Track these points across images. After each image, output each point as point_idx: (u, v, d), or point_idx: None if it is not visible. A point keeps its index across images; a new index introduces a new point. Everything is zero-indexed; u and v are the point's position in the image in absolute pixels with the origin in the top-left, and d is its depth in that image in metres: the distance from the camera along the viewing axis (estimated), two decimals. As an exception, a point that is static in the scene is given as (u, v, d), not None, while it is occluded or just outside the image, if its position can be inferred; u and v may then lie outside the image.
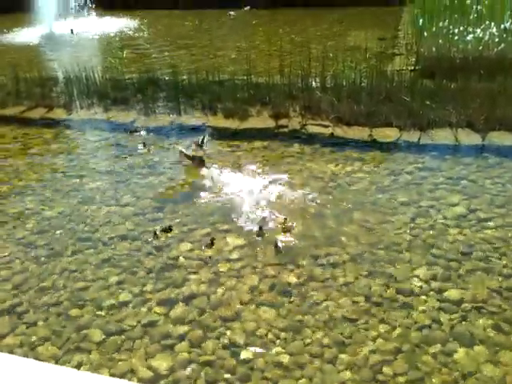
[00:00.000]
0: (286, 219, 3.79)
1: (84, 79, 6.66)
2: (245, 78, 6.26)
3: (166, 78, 6.73)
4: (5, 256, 3.70)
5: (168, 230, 3.79)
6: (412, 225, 3.78)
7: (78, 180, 4.73)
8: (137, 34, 10.35)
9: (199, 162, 4.64)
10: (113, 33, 10.49)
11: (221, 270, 3.40)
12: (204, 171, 4.63)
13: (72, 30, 10.36)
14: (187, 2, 12.31)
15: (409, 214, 3.90)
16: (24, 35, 10.59)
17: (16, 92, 6.67)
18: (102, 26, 10.94)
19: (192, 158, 4.68)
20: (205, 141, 4.77)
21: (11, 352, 2.83)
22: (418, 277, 3.26)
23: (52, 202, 4.38)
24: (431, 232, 3.69)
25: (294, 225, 3.78)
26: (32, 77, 6.99)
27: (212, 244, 3.63)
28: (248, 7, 12.01)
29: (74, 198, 4.43)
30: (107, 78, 6.84)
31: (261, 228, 3.71)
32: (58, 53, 9.40)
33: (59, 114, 6.15)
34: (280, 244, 3.56)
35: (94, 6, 11.26)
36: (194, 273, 3.39)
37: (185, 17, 11.72)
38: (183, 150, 4.76)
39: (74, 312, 3.14)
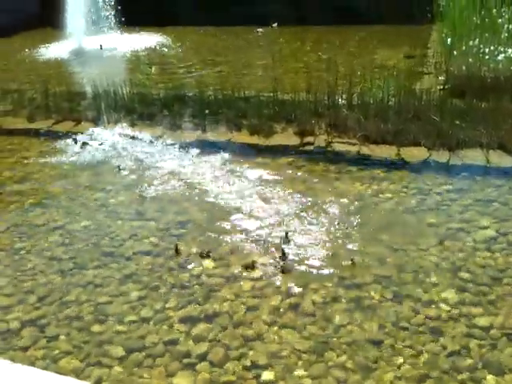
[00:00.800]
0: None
1: (112, 94, 6.75)
2: (271, 94, 6.25)
3: (192, 94, 6.77)
4: (29, 268, 3.72)
5: (206, 255, 3.70)
6: (440, 247, 3.68)
7: (103, 194, 4.76)
8: (165, 50, 10.49)
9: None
10: (141, 49, 10.65)
11: (243, 288, 3.37)
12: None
13: (101, 46, 10.54)
14: (216, 19, 12.45)
15: (437, 236, 3.81)
16: (54, 50, 10.82)
17: (45, 106, 6.78)
18: (131, 42, 11.11)
19: None
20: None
21: (32, 365, 2.82)
22: (446, 301, 3.17)
23: (77, 215, 4.41)
24: (460, 255, 3.59)
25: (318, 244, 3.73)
26: (61, 91, 7.12)
27: (253, 267, 3.55)
28: (275, 24, 12.07)
29: (98, 211, 4.45)
30: (134, 93, 6.91)
31: (283, 252, 3.65)
32: (87, 68, 9.57)
33: (87, 127, 6.22)
34: (290, 268, 3.50)
35: (123, 22, 11.45)
36: (217, 290, 3.36)
37: (213, 33, 11.84)
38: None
39: (95, 327, 3.13)
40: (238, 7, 12.62)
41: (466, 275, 3.39)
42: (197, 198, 4.54)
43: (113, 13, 11.26)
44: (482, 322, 3.00)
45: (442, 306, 3.13)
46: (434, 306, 3.13)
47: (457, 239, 3.77)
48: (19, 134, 6.25)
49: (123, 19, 11.35)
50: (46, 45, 11.27)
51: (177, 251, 3.75)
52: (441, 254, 3.61)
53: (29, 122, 6.48)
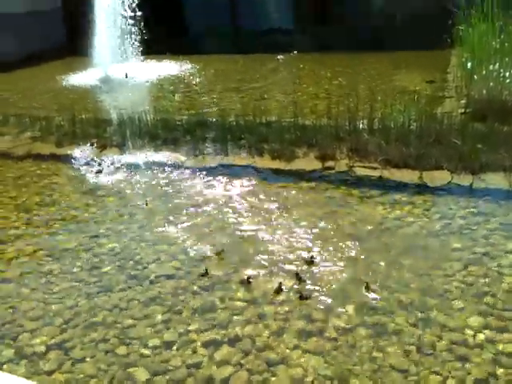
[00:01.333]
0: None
1: (136, 120, 6.91)
2: (291, 120, 6.33)
3: (215, 120, 6.88)
4: (56, 291, 3.80)
5: (248, 281, 3.68)
6: (465, 272, 3.65)
7: (128, 217, 4.85)
8: (188, 78, 10.71)
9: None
10: (165, 76, 10.89)
11: (266, 312, 3.38)
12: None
13: (126, 74, 10.81)
14: (238, 47, 12.78)
15: (462, 261, 3.78)
16: (81, 78, 11.15)
17: (72, 132, 6.97)
18: (156, 70, 11.39)
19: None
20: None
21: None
22: (471, 327, 3.13)
23: (104, 238, 4.50)
24: (485, 280, 3.55)
25: (342, 269, 3.73)
26: (88, 118, 7.31)
27: (280, 290, 3.55)
28: (295, 52, 12.28)
29: (124, 235, 4.53)
30: (158, 119, 7.06)
31: (297, 275, 3.67)
32: (113, 95, 9.82)
33: (112, 153, 6.37)
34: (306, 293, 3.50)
35: (149, 50, 11.75)
36: (239, 314, 3.38)
37: (236, 61, 12.07)
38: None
39: (120, 350, 3.17)
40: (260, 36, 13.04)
41: (491, 300, 3.35)
42: (219, 223, 4.59)
43: (138, 42, 11.56)
44: (509, 348, 2.96)
45: (468, 331, 3.10)
46: (459, 332, 3.10)
47: (482, 264, 3.73)
48: (47, 159, 6.43)
49: (148, 48, 11.65)
50: (74, 73, 11.63)
51: (205, 274, 3.79)
52: (466, 278, 3.58)
53: (56, 147, 6.67)
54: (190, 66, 11.90)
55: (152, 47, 11.70)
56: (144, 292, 3.69)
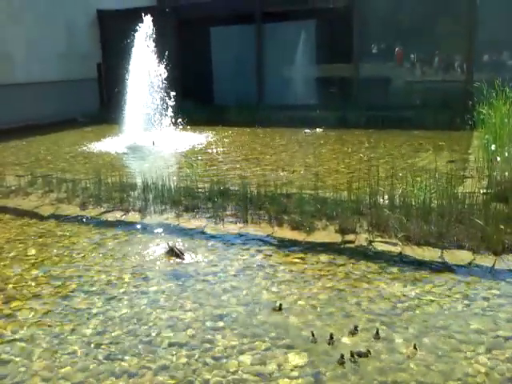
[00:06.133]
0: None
1: (159, 187, 7.06)
2: (312, 192, 6.40)
3: (236, 189, 6.99)
4: (67, 353, 3.74)
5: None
6: (488, 355, 3.50)
7: (144, 282, 4.83)
8: (213, 148, 11.00)
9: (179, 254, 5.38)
10: (191, 146, 11.22)
11: (280, 387, 3.28)
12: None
13: (153, 142, 11.18)
14: (263, 120, 13.26)
15: (484, 344, 3.63)
16: (110, 144, 11.56)
17: (97, 195, 7.13)
18: (181, 139, 11.76)
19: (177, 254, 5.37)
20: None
21: None
22: (496, 416, 2.98)
23: (117, 302, 4.47)
24: (510, 365, 3.40)
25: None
26: (113, 182, 7.50)
27: (343, 363, 3.43)
28: (320, 129, 12.66)
29: (138, 299, 4.50)
30: (181, 186, 7.20)
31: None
32: (139, 162, 10.12)
33: (134, 217, 6.46)
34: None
35: (176, 121, 12.20)
36: (252, 388, 3.27)
37: (260, 133, 12.42)
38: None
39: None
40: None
41: (516, 388, 3.19)
42: (235, 292, 4.54)
43: (166, 112, 12.02)
44: None
45: (492, 420, 2.94)
46: (482, 421, 2.94)
47: (505, 348, 3.59)
48: (70, 220, 6.55)
49: (176, 118, 12.12)
50: (104, 139, 12.07)
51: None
52: (489, 362, 3.43)
53: (80, 209, 6.81)
54: (214, 136, 12.27)
55: (179, 118, 12.17)
56: (155, 359, 3.61)
